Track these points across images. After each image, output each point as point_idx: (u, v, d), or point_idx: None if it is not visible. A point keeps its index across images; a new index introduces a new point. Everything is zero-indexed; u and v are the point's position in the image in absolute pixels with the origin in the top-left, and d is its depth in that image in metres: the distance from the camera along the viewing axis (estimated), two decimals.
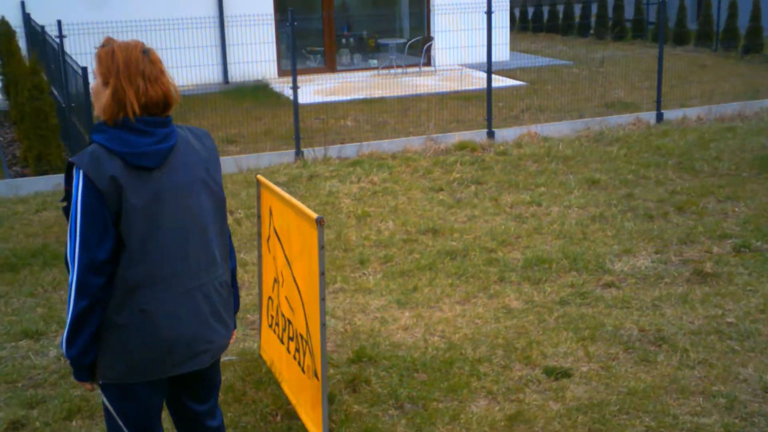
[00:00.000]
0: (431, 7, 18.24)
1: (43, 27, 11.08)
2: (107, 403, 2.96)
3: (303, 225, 4.00)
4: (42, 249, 7.29)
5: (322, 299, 3.83)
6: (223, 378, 4.85)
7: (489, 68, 11.75)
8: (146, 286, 2.80)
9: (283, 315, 4.52)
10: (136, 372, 2.86)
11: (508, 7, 19.14)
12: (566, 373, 4.91)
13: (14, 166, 10.63)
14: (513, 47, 20.43)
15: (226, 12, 16.25)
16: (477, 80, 16.04)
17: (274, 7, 16.41)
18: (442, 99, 14.70)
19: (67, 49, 10.52)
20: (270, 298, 4.81)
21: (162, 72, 2.84)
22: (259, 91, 15.64)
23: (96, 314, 2.77)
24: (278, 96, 15.15)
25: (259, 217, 4.88)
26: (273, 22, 15.97)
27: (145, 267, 2.79)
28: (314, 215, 3.78)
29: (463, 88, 15.46)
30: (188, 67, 15.19)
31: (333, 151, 10.56)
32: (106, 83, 2.78)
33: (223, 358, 5.11)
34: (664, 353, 5.13)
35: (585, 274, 6.49)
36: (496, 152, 10.48)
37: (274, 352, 4.80)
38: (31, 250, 7.27)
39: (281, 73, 17.09)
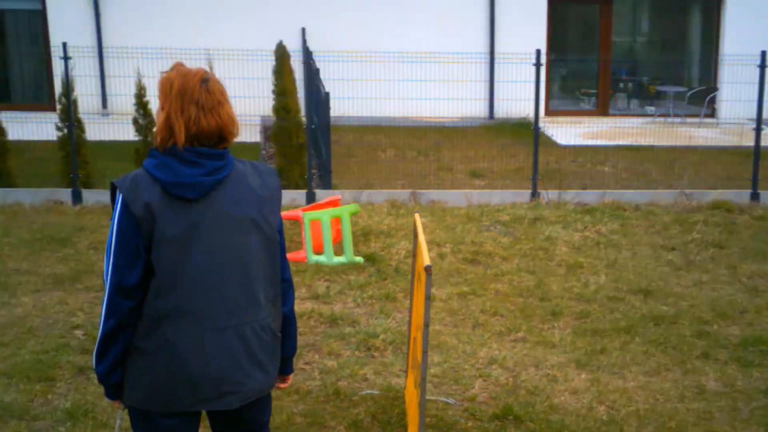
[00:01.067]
0: (720, 57, 17.01)
1: (309, 53, 11.75)
2: (131, 427, 2.92)
3: (423, 271, 3.78)
4: None
5: (425, 351, 3.57)
6: (355, 411, 4.74)
7: (758, 122, 10.69)
8: (174, 317, 2.73)
9: (416, 359, 4.31)
10: (157, 400, 2.79)
11: None
12: None
13: None
14: None
15: (497, 49, 16.26)
16: (764, 137, 14.63)
17: (547, 46, 16.17)
18: (717, 153, 13.57)
19: (325, 74, 11.04)
20: (415, 339, 4.61)
21: (220, 103, 2.77)
22: (521, 128, 15.42)
23: (124, 335, 2.75)
24: (540, 135, 14.82)
25: (414, 255, 4.72)
26: (545, 61, 15.71)
27: (174, 298, 2.72)
28: (426, 262, 3.54)
29: (745, 143, 14.17)
30: (455, 100, 15.33)
31: (571, 195, 10.10)
32: (162, 108, 2.77)
33: (363, 392, 4.99)
34: None
35: None
36: (753, 216, 9.44)
37: (410, 394, 4.59)
38: None
39: (549, 112, 16.81)
